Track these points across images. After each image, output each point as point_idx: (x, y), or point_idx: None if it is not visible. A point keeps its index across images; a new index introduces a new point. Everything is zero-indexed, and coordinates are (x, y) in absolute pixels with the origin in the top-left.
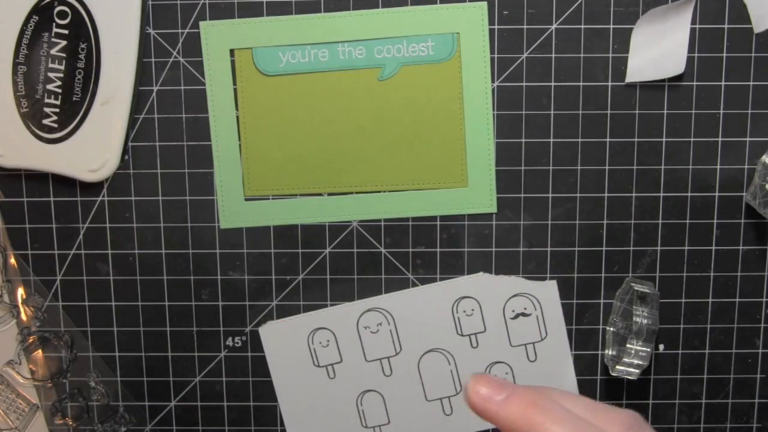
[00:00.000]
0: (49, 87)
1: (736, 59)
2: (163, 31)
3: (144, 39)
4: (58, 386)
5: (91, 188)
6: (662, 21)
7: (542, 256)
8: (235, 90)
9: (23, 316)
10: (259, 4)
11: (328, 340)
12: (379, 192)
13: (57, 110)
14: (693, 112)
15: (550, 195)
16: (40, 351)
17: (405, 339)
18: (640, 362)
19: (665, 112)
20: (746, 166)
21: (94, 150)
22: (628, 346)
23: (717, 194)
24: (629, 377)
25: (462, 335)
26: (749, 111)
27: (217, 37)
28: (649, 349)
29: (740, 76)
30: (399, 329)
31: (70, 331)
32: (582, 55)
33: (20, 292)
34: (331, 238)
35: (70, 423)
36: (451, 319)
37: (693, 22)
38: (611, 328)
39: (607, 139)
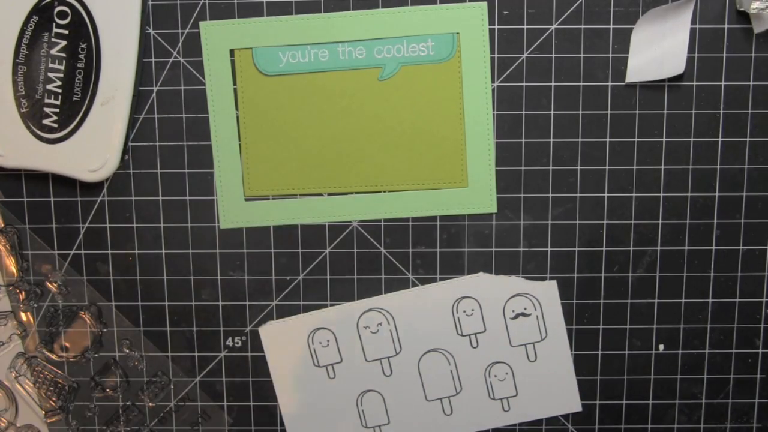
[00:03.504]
0: (49, 87)
1: (736, 59)
2: (163, 31)
3: (144, 39)
4: (92, 360)
5: (91, 188)
6: (662, 21)
7: (542, 256)
8: (235, 90)
9: (51, 287)
10: (259, 4)
11: (328, 340)
12: (379, 192)
13: (57, 110)
14: (693, 112)
15: (550, 195)
16: (70, 326)
17: (405, 339)
18: None
19: (665, 112)
20: (746, 166)
21: (94, 150)
22: None
23: (717, 194)
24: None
25: (462, 335)
26: (749, 111)
27: (217, 37)
28: None
29: (740, 76)
30: (399, 329)
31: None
32: (582, 55)
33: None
34: (331, 238)
35: (112, 393)
36: (451, 319)
37: (693, 22)
38: None
39: (607, 139)
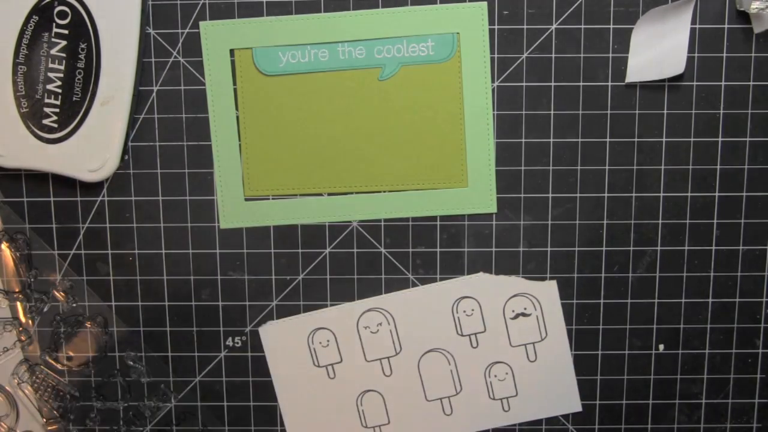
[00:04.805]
0: (49, 87)
1: (736, 59)
2: (163, 31)
3: (144, 39)
4: (96, 369)
5: (91, 188)
6: (662, 21)
7: (542, 256)
8: (235, 90)
9: (59, 296)
10: (259, 4)
11: (328, 340)
12: (379, 192)
13: (57, 110)
14: (693, 112)
15: (550, 195)
16: (75, 334)
17: (405, 339)
18: None
19: (665, 112)
20: (746, 166)
21: (94, 150)
22: None
23: (717, 194)
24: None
25: (462, 335)
26: (749, 111)
27: (217, 37)
28: None
29: (740, 76)
30: (399, 329)
31: (101, 312)
32: (582, 55)
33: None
34: (331, 238)
35: (114, 404)
36: (451, 319)
37: (693, 22)
38: None
39: (607, 139)
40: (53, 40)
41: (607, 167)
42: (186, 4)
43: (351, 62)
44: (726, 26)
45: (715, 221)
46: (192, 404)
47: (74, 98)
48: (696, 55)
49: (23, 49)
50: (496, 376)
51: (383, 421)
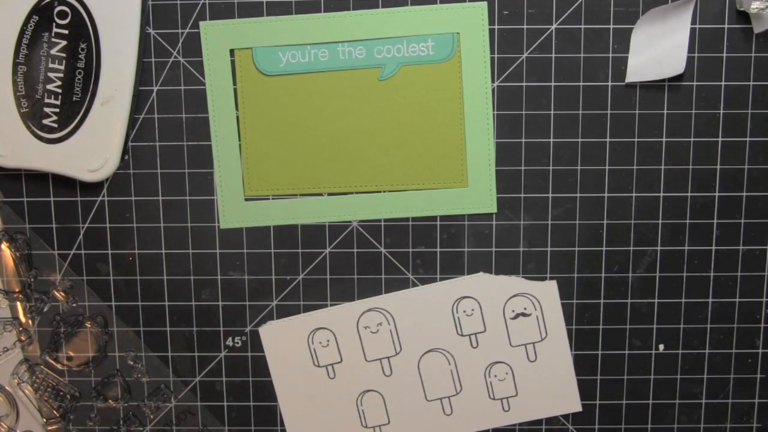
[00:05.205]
0: (49, 87)
1: (736, 59)
2: (163, 31)
3: (144, 39)
4: (96, 369)
5: (91, 188)
6: (662, 21)
7: (542, 256)
8: (235, 90)
9: (59, 296)
10: (259, 4)
11: (328, 340)
12: (379, 192)
13: (57, 110)
14: (693, 112)
15: (550, 195)
16: (75, 334)
17: (405, 339)
18: None
19: (665, 112)
20: (746, 166)
21: (94, 150)
22: None
23: (717, 194)
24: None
25: (462, 335)
26: (749, 111)
27: (217, 37)
28: None
29: (740, 76)
30: (399, 329)
31: (101, 312)
32: (582, 55)
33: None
34: (331, 238)
35: (114, 404)
36: (451, 319)
37: (693, 22)
38: None
39: (607, 139)
40: (53, 40)
41: (607, 167)
42: (186, 4)
43: (351, 62)
44: (726, 26)
45: (715, 221)
46: (192, 404)
47: (74, 98)
48: (696, 55)
49: (23, 49)
50: (496, 376)
51: (383, 421)
